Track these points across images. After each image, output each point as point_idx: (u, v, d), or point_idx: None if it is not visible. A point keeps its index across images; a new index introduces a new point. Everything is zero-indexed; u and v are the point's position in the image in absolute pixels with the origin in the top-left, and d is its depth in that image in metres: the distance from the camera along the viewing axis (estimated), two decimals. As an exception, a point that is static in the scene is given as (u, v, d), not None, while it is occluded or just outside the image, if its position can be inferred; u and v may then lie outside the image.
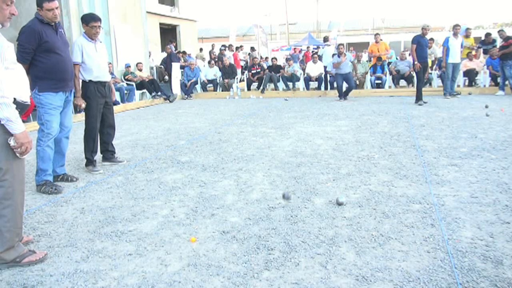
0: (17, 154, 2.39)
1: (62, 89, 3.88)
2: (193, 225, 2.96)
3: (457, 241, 2.56)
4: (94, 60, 4.41)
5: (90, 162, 4.59)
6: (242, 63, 17.20)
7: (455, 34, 9.72)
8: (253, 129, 6.70)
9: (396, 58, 13.07)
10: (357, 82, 12.00)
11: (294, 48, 19.22)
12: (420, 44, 8.94)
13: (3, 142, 2.35)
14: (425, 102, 8.99)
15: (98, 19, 4.40)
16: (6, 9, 2.39)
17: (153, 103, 11.32)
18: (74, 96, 4.23)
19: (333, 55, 11.29)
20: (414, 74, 9.97)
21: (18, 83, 2.47)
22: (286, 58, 15.14)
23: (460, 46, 9.85)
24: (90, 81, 4.43)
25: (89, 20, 4.36)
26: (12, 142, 2.35)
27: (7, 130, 2.35)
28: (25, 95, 2.52)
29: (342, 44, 10.76)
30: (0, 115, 2.28)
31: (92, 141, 4.57)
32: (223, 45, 16.94)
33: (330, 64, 11.81)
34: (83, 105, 4.41)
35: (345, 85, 10.46)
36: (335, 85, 11.04)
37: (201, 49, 20.21)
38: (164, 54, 14.32)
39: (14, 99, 2.40)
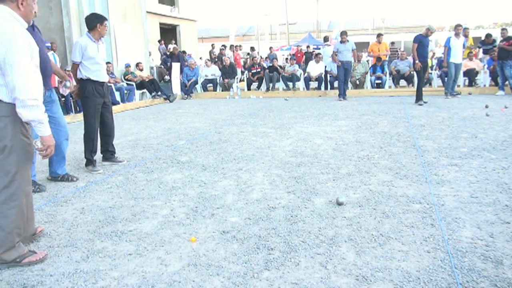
0: (40, 156, 2.42)
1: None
2: (193, 225, 2.96)
3: (457, 241, 2.56)
4: (95, 60, 4.46)
5: (90, 162, 4.59)
6: (241, 63, 17.20)
7: (456, 34, 9.66)
8: (253, 129, 6.70)
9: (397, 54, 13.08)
10: (357, 82, 12.01)
11: (270, 48, 19.21)
12: (422, 43, 8.85)
13: (19, 145, 2.36)
14: (425, 102, 8.97)
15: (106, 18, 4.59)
16: (34, 8, 2.49)
17: (153, 103, 11.32)
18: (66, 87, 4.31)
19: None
20: (415, 74, 9.94)
21: (40, 86, 2.49)
22: (286, 58, 15.18)
23: (462, 46, 9.75)
24: (88, 80, 4.45)
25: (103, 20, 4.48)
26: (38, 144, 2.38)
27: (25, 133, 2.40)
28: (42, 98, 2.55)
29: (345, 32, 10.62)
30: (32, 117, 2.29)
31: (91, 141, 4.57)
32: (223, 45, 16.93)
33: (330, 63, 11.82)
34: (75, 90, 4.51)
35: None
36: (335, 84, 11.04)
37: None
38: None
39: None
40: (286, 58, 14.34)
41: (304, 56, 15.72)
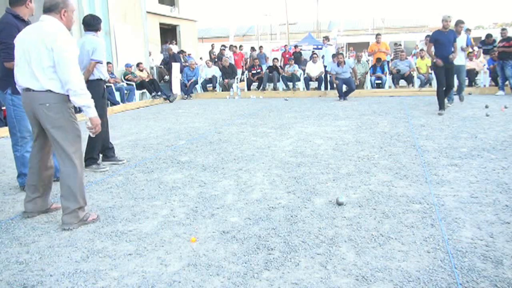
0: (90, 134, 3.04)
1: None
2: (193, 225, 2.96)
3: (457, 241, 2.56)
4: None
5: (95, 161, 4.62)
6: (242, 63, 17.17)
7: (456, 32, 8.44)
8: (253, 129, 6.70)
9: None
10: (357, 82, 12.01)
11: (260, 47, 19.11)
12: (438, 41, 7.48)
13: (71, 125, 2.90)
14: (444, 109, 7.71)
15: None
16: (73, 18, 2.96)
17: (153, 103, 11.32)
18: None
19: (333, 55, 11.21)
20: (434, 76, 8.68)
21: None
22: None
23: (464, 45, 8.60)
24: (101, 79, 4.58)
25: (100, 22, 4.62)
26: (89, 124, 2.94)
27: (74, 116, 2.91)
28: None
29: (342, 54, 10.60)
30: (83, 103, 2.85)
31: (101, 142, 4.65)
32: (222, 45, 16.93)
33: (330, 64, 11.83)
34: None
35: (345, 87, 10.50)
36: (335, 85, 11.06)
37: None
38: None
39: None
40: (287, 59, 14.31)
41: (292, 56, 15.68)
